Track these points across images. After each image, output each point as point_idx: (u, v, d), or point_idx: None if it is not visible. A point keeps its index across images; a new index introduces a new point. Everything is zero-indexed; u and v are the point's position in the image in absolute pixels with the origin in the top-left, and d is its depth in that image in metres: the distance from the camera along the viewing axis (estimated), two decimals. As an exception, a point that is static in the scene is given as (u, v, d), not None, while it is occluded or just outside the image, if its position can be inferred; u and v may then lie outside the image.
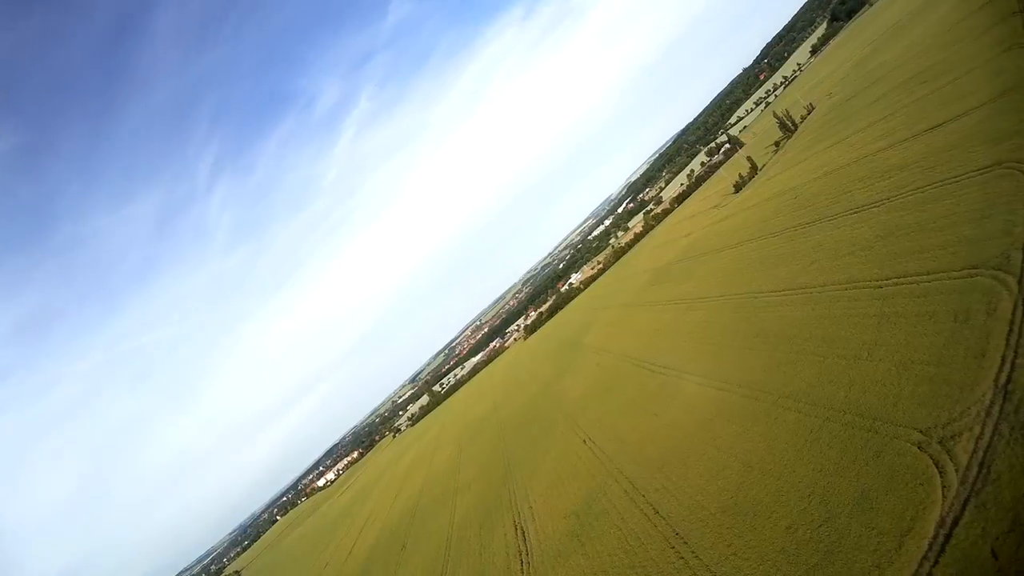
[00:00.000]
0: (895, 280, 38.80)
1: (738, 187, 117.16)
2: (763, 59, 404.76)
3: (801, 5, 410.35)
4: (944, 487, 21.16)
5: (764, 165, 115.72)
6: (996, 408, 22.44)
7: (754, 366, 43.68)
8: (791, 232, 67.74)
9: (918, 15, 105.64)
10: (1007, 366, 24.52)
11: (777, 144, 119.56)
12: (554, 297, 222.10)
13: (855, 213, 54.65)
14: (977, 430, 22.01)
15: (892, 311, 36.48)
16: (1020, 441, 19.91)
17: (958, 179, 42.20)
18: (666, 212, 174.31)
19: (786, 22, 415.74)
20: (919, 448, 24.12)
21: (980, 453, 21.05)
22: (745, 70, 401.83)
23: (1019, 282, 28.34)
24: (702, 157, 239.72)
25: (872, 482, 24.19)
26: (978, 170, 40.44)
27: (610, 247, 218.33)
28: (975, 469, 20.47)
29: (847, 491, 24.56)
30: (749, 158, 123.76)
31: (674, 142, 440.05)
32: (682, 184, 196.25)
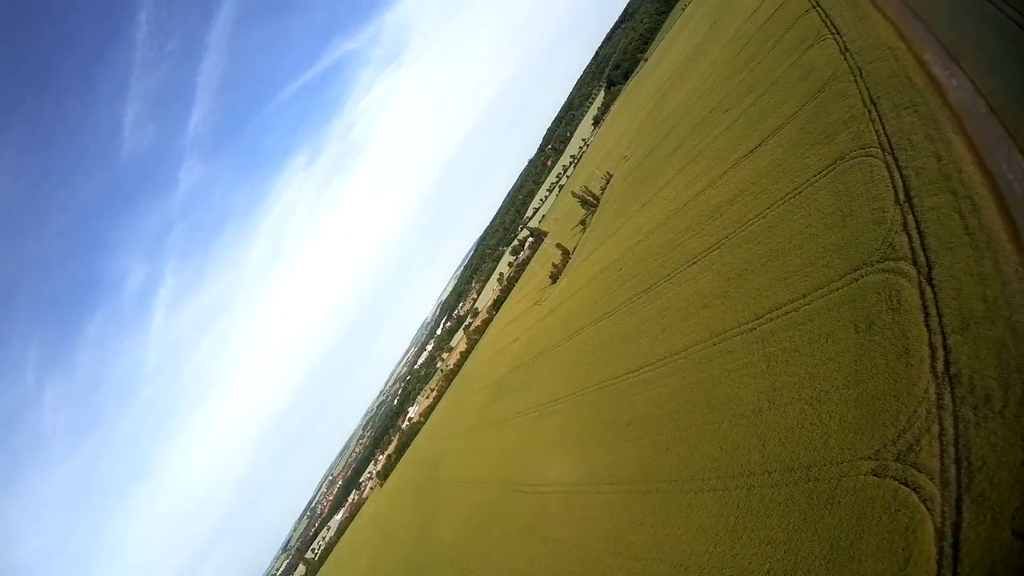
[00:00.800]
0: (768, 316, 69.62)
1: (554, 277, 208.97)
2: (547, 145, 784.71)
3: (575, 82, 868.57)
4: (926, 500, 33.59)
5: (576, 247, 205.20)
6: (947, 397, 38.66)
7: (639, 457, 71.80)
8: (628, 305, 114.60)
9: (700, 50, 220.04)
10: (940, 350, 41.82)
11: (583, 222, 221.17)
12: (398, 436, 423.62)
13: (693, 264, 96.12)
14: (936, 428, 37.51)
15: (778, 349, 65.96)
16: (991, 416, 34.44)
17: (800, 190, 78.55)
18: (486, 322, 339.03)
19: (562, 102, 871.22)
20: (876, 476, 37.80)
21: (952, 449, 35.63)
22: (531, 161, 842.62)
23: (915, 263, 54.05)
24: (508, 257, 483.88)
25: (838, 532, 36.70)
26: (820, 172, 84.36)
27: (439, 371, 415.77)
28: (954, 467, 34.34)
29: (813, 552, 37.50)
30: (559, 244, 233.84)
31: (476, 250, 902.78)
32: (494, 290, 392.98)
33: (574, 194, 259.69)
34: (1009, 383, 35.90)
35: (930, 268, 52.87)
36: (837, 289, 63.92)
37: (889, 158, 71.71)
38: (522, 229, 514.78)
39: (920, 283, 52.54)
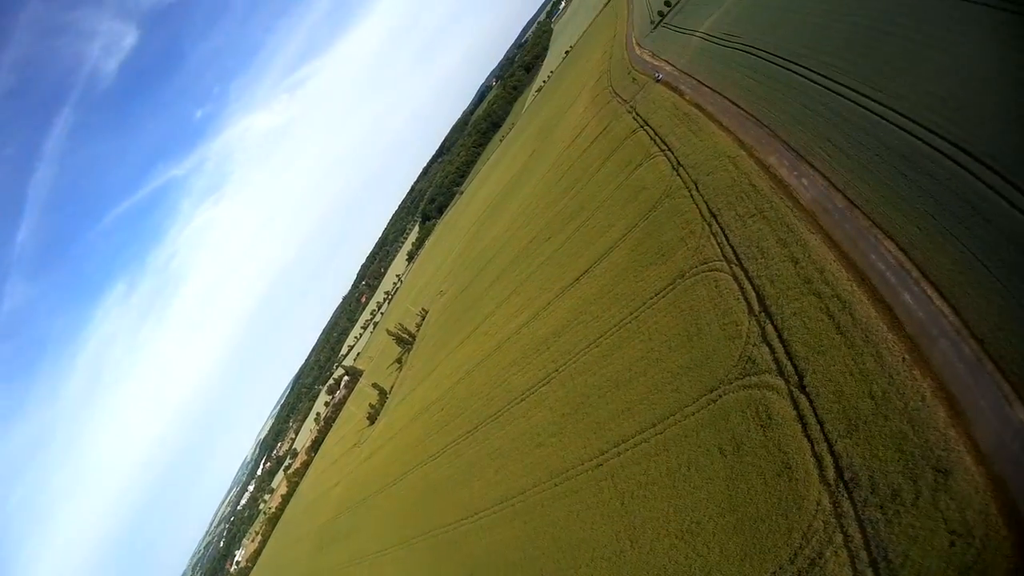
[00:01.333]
0: (614, 451, 74.14)
1: (372, 418, 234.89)
2: (361, 281, 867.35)
3: (389, 218, 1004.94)
4: (850, 613, 34.99)
5: (393, 387, 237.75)
6: (845, 504, 41.03)
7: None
8: (454, 447, 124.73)
9: (519, 180, 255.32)
10: (828, 458, 44.19)
11: (400, 361, 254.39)
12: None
13: (522, 401, 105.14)
14: (839, 538, 39.78)
15: (632, 484, 67.14)
16: (904, 510, 36.89)
17: (636, 314, 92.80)
18: (305, 464, 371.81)
19: (377, 238, 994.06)
20: (774, 604, 38.38)
21: (863, 553, 38.08)
22: (345, 297, 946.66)
23: (781, 373, 55.31)
24: (324, 396, 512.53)
25: None
26: (657, 293, 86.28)
27: (262, 513, 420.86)
28: (870, 571, 36.91)
29: None
30: (375, 384, 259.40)
31: (292, 388, 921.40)
32: (312, 430, 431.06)
33: (389, 332, 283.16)
34: (918, 473, 36.81)
35: (800, 376, 53.25)
36: (692, 414, 63.89)
37: (737, 270, 73.20)
38: (337, 367, 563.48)
39: (791, 393, 53.37)
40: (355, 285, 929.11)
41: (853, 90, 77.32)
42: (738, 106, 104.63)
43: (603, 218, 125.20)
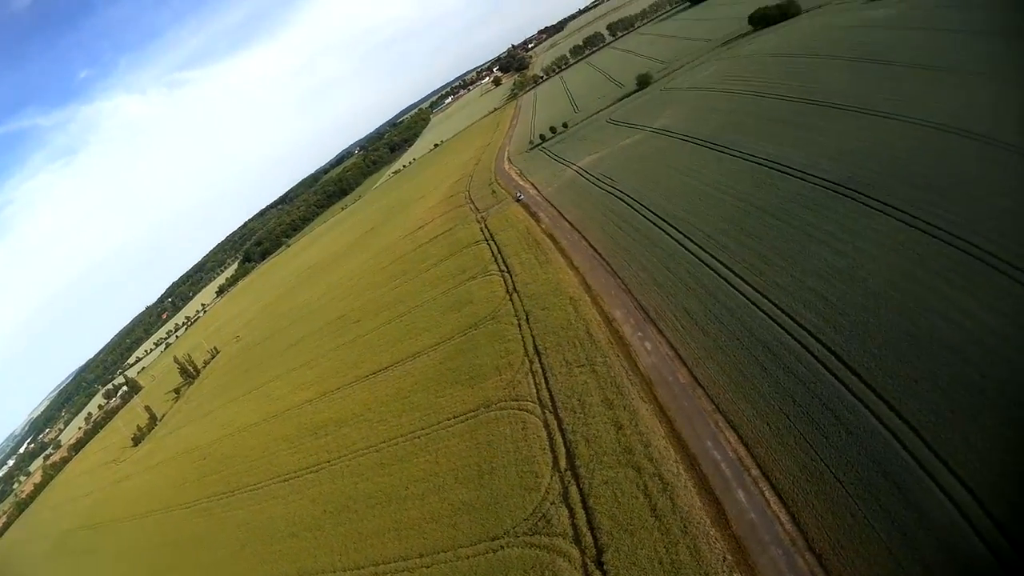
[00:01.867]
0: (373, 568, 69.42)
1: (137, 440, 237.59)
2: (167, 297, 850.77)
3: (213, 246, 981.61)
4: None
5: (164, 415, 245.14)
6: None
7: None
8: (206, 504, 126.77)
9: (348, 253, 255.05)
10: None
11: (178, 392, 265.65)
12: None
13: (285, 481, 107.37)
14: None
15: None
16: None
17: (428, 430, 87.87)
18: (64, 461, 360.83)
19: (196, 261, 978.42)
20: None
21: None
22: (148, 308, 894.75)
23: (578, 542, 51.93)
24: (100, 399, 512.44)
25: None
26: (457, 416, 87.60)
27: (13, 495, 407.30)
28: None
29: None
30: (147, 407, 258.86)
31: (75, 378, 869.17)
32: (80, 428, 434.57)
33: (176, 360, 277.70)
34: None
35: (600, 551, 48.26)
36: (466, 557, 57.82)
37: (551, 418, 68.61)
38: (119, 375, 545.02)
39: (586, 566, 48.61)
40: (161, 299, 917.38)
41: (727, 267, 76.47)
42: (595, 249, 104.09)
43: (421, 319, 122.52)
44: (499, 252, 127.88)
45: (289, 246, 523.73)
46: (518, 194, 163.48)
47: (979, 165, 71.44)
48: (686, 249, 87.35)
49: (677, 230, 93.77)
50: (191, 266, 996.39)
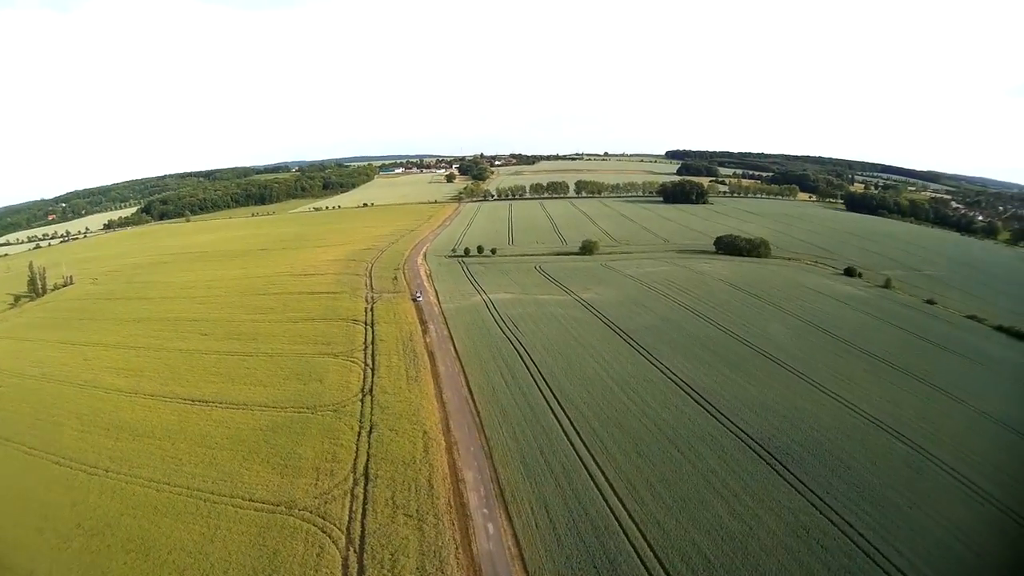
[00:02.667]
0: None
1: None
2: (63, 202, 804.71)
3: (127, 179, 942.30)
4: None
5: None
6: None
7: None
8: None
9: (234, 260, 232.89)
10: None
11: (16, 300, 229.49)
12: None
13: (59, 464, 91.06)
14: None
15: None
16: None
17: (218, 501, 75.91)
18: None
19: (106, 184, 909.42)
20: None
21: None
22: (43, 201, 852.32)
23: None
24: None
25: None
26: (254, 501, 74.49)
27: None
28: None
29: None
30: None
31: None
32: None
33: (31, 268, 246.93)
34: None
35: None
36: None
37: (353, 560, 59.27)
38: None
39: None
40: (56, 200, 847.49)
41: (608, 481, 70.29)
42: (471, 392, 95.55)
43: (265, 369, 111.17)
44: (372, 343, 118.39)
45: (188, 221, 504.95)
46: (418, 293, 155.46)
47: (905, 471, 70.82)
48: (569, 439, 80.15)
49: (567, 415, 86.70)
50: (99, 185, 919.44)
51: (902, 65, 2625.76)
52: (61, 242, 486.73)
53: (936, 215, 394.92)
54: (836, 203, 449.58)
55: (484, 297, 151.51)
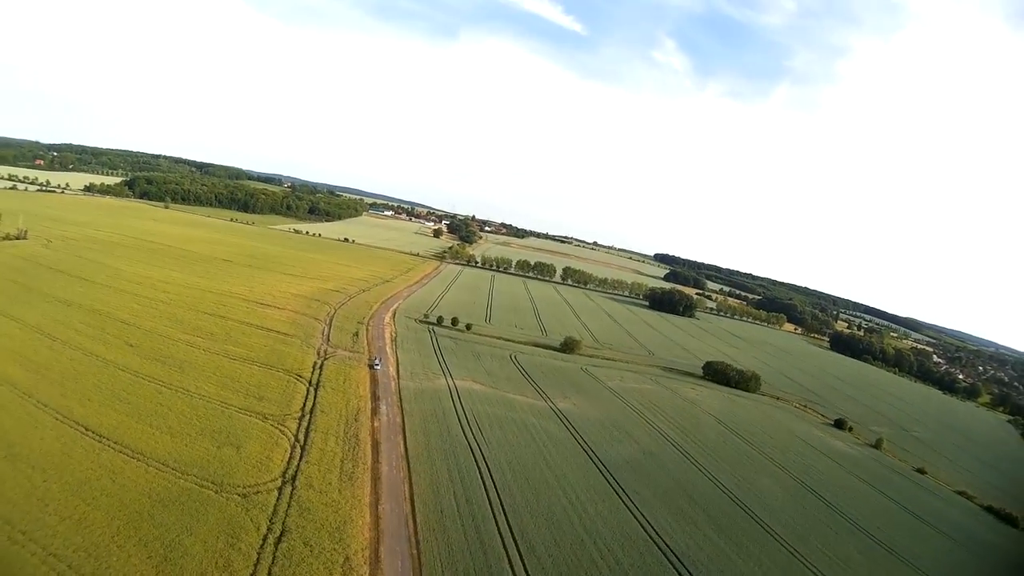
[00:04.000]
0: None
1: None
2: (55, 151, 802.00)
3: (122, 147, 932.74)
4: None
5: None
6: None
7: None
8: None
9: (191, 263, 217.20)
10: None
11: None
12: None
13: None
14: None
15: None
16: None
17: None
18: None
19: (99, 146, 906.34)
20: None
21: None
22: (37, 143, 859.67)
23: None
24: None
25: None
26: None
27: None
28: None
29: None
30: None
31: None
32: None
33: None
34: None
35: None
36: None
37: None
38: None
39: None
40: (49, 148, 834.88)
41: None
42: (414, 510, 79.52)
43: (179, 414, 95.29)
44: (311, 412, 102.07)
45: (167, 207, 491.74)
46: (377, 360, 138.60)
47: None
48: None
49: (526, 570, 71.13)
50: (94, 146, 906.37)
51: (890, 215, 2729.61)
52: (38, 190, 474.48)
53: (920, 368, 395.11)
54: (821, 340, 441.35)
55: (450, 382, 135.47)
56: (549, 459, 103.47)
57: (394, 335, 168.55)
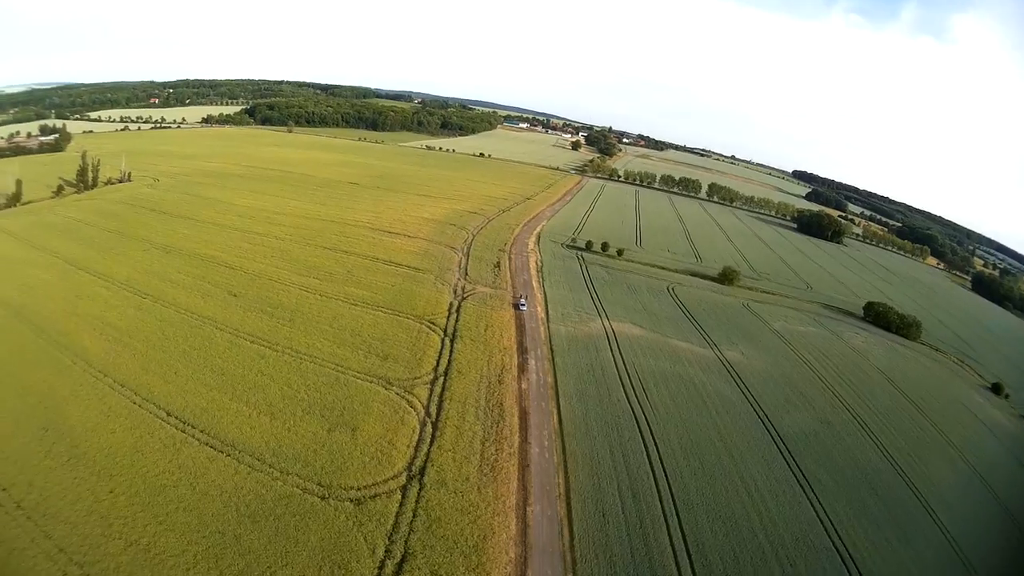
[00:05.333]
0: None
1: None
2: (171, 88, 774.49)
3: (244, 77, 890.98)
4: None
5: (30, 202, 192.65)
6: None
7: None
8: None
9: (315, 190, 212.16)
10: None
11: (59, 190, 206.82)
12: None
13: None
14: None
15: None
16: None
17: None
18: None
19: (219, 77, 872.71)
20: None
21: None
22: (151, 82, 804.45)
23: None
24: (33, 127, 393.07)
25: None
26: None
27: None
28: None
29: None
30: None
31: (29, 90, 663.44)
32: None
33: (83, 159, 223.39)
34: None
35: None
36: None
37: None
38: (60, 122, 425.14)
39: None
40: (164, 85, 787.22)
41: None
42: (569, 520, 62.69)
43: (280, 378, 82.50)
44: (446, 374, 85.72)
45: (290, 131, 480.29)
46: (522, 298, 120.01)
47: None
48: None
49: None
50: (211, 78, 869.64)
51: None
52: (153, 127, 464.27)
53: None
54: (963, 279, 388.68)
55: (606, 325, 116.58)
56: (723, 432, 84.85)
57: (539, 264, 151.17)
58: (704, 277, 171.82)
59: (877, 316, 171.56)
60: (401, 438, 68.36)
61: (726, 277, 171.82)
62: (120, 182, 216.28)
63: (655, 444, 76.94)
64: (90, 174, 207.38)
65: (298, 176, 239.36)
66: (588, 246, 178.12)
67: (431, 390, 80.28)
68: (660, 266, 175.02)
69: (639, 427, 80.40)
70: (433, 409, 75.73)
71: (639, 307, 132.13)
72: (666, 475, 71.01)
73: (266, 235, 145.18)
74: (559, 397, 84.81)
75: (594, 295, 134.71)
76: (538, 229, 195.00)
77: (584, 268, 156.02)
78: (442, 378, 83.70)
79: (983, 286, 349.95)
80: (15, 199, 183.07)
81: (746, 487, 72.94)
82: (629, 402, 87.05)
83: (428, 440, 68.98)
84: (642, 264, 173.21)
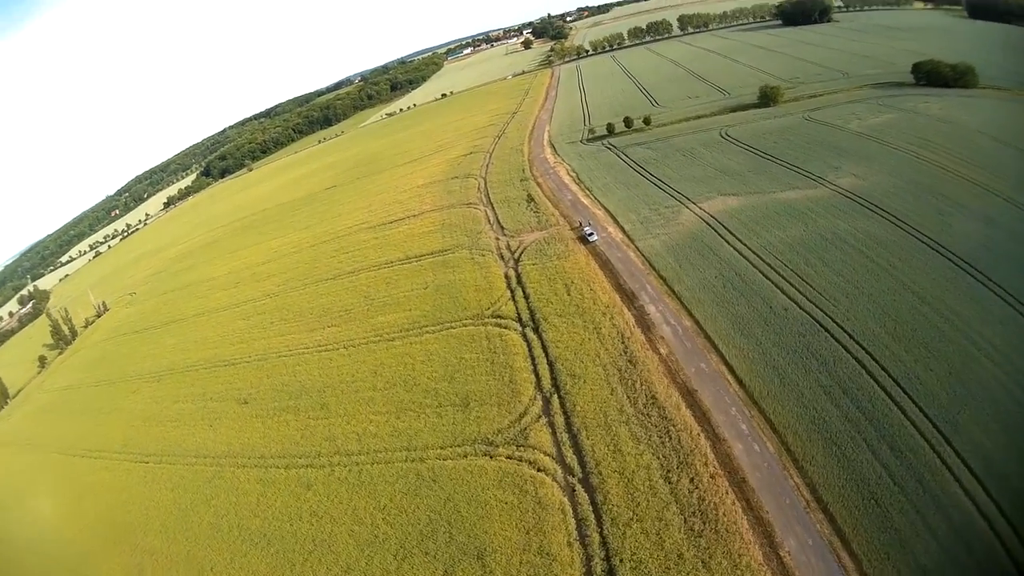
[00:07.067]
0: None
1: None
2: (125, 192, 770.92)
3: (186, 147, 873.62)
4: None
5: (18, 392, 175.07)
6: None
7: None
8: None
9: (291, 215, 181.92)
10: None
11: (43, 361, 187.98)
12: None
13: None
14: None
15: None
16: None
17: None
18: None
19: (164, 159, 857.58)
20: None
21: None
22: (107, 198, 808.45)
23: None
24: (12, 304, 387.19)
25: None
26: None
27: None
28: None
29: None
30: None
31: (14, 261, 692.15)
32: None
33: (49, 317, 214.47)
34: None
35: None
36: None
37: None
38: (31, 283, 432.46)
39: None
40: (119, 193, 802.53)
41: None
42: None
43: (333, 518, 64.62)
44: (555, 394, 59.54)
45: (250, 171, 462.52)
46: (586, 227, 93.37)
47: None
48: None
49: None
50: (157, 163, 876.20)
51: None
52: (121, 239, 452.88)
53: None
54: (956, 10, 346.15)
55: (696, 211, 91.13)
56: (912, 287, 62.14)
57: (573, 174, 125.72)
58: (745, 108, 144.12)
59: (928, 75, 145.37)
60: (554, 541, 44.25)
61: (767, 97, 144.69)
62: (98, 317, 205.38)
63: (865, 351, 53.80)
64: (64, 328, 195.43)
65: (274, 209, 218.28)
66: (610, 130, 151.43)
67: (551, 427, 55.44)
68: (695, 116, 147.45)
69: (833, 337, 56.54)
70: (571, 460, 50.82)
71: (711, 170, 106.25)
72: (897, 381, 49.54)
73: (258, 298, 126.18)
74: (715, 343, 59.85)
75: (655, 180, 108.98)
76: (545, 136, 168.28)
77: (622, 155, 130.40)
78: (554, 396, 58.47)
79: (980, 10, 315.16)
80: (4, 397, 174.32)
81: (981, 351, 51.59)
82: (797, 304, 62.30)
83: (593, 522, 44.77)
84: (676, 123, 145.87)
